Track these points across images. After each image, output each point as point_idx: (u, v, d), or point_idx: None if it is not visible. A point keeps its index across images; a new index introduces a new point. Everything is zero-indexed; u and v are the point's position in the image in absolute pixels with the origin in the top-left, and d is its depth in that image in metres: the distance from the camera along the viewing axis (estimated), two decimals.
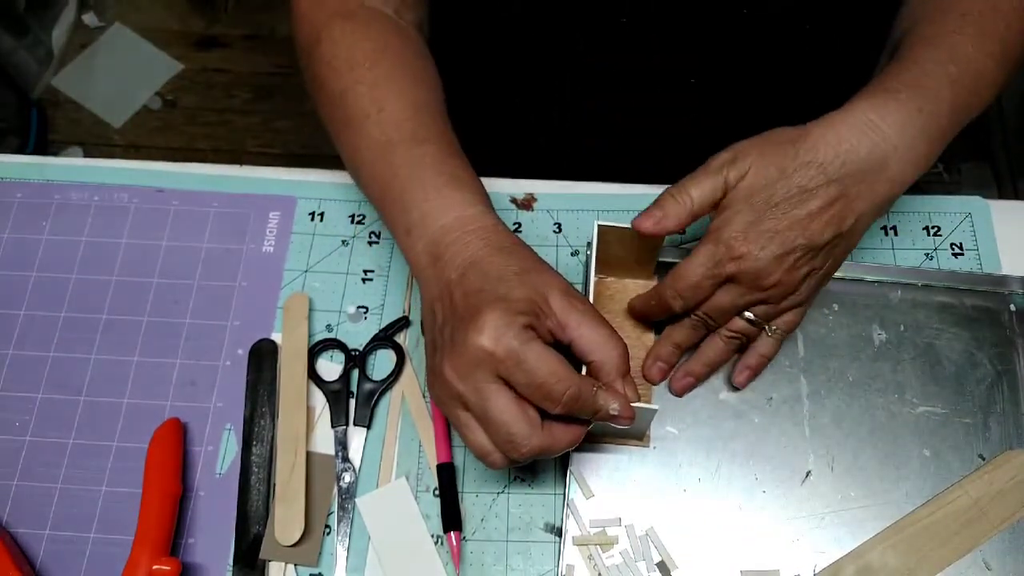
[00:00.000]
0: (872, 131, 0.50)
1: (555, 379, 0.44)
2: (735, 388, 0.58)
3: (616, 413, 0.46)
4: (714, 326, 0.55)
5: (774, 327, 0.55)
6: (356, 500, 0.55)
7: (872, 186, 0.50)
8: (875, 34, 0.63)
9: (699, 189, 0.51)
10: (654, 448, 0.56)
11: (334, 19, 0.60)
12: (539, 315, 0.46)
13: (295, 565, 0.54)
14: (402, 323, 0.61)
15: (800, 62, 0.67)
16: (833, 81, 0.60)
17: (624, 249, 0.56)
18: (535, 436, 0.45)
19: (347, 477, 0.56)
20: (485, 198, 0.53)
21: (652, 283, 0.60)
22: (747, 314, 0.53)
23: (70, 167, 0.68)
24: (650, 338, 0.59)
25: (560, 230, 0.64)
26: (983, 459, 0.55)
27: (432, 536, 0.54)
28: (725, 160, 0.51)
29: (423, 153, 0.53)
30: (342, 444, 0.57)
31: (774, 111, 0.65)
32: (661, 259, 0.59)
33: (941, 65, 0.52)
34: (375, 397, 0.58)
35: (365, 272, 0.63)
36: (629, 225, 0.52)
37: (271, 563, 0.54)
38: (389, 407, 0.58)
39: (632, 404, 0.47)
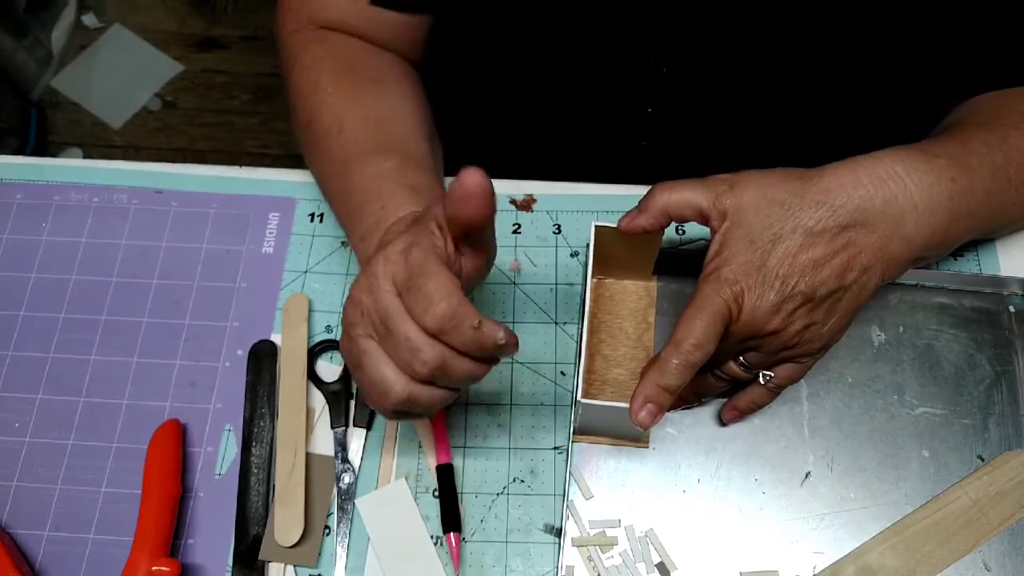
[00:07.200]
0: (894, 182, 0.46)
1: (439, 294, 0.41)
2: (722, 423, 0.56)
3: (503, 342, 0.42)
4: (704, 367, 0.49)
5: (769, 377, 0.51)
6: (356, 501, 0.55)
7: (884, 241, 0.46)
8: (919, 104, 0.60)
9: (688, 193, 0.48)
10: (654, 449, 0.56)
11: (308, 46, 0.62)
12: (436, 230, 0.43)
13: (294, 566, 0.54)
14: None
15: (825, 109, 0.64)
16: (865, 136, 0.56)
17: (622, 250, 0.56)
18: (434, 345, 0.42)
19: (347, 478, 0.56)
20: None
21: (651, 284, 0.60)
22: (740, 358, 0.51)
23: (70, 168, 0.68)
24: (650, 337, 0.59)
25: (560, 231, 0.64)
26: (982, 460, 0.56)
27: (432, 537, 0.54)
28: (724, 180, 0.48)
29: (381, 167, 0.54)
30: (342, 445, 0.57)
31: (789, 133, 0.64)
32: (663, 250, 0.58)
33: (988, 148, 0.50)
34: None
35: None
36: None
37: (270, 564, 0.54)
38: None
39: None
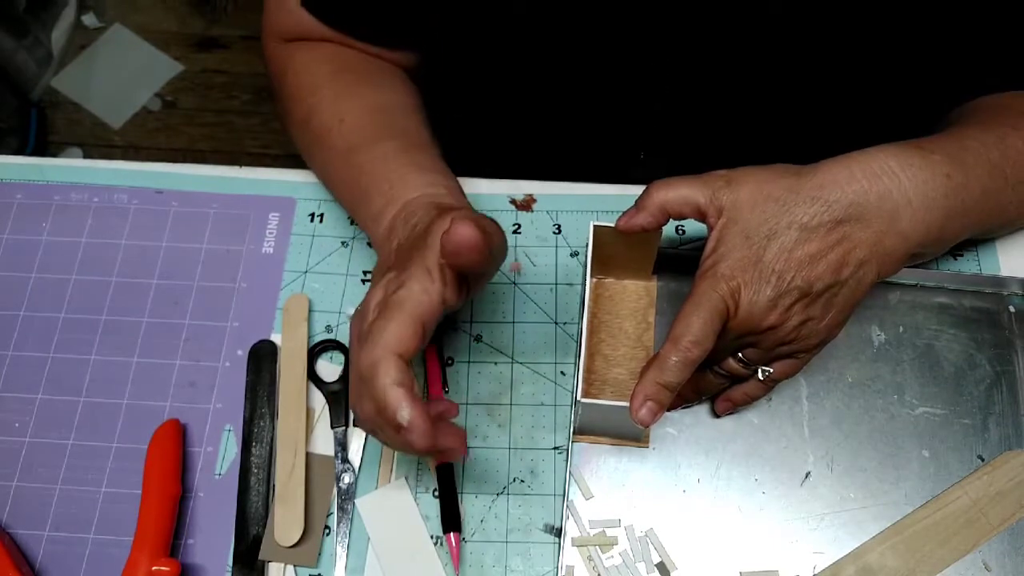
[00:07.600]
0: (888, 177, 0.46)
1: (382, 341, 0.43)
2: (715, 415, 0.57)
3: (403, 418, 0.42)
4: (703, 364, 0.49)
5: (768, 373, 0.51)
6: (356, 501, 0.55)
7: (879, 236, 0.46)
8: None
9: (685, 190, 0.49)
10: (654, 449, 0.56)
11: (297, 52, 0.63)
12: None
13: (294, 566, 0.54)
14: None
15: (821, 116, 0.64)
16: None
17: (621, 249, 0.56)
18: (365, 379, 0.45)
19: (347, 478, 0.56)
20: (450, 183, 0.54)
21: (651, 283, 0.60)
22: (739, 354, 0.51)
23: (70, 168, 0.68)
24: (650, 336, 0.59)
25: (560, 231, 0.64)
26: (982, 460, 0.56)
27: (432, 537, 0.54)
28: (721, 177, 0.48)
29: (385, 149, 0.55)
30: (342, 445, 0.57)
31: (789, 133, 0.64)
32: (662, 251, 0.58)
33: (985, 147, 0.50)
34: None
35: (365, 273, 0.63)
36: None
37: (270, 564, 0.54)
38: None
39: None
